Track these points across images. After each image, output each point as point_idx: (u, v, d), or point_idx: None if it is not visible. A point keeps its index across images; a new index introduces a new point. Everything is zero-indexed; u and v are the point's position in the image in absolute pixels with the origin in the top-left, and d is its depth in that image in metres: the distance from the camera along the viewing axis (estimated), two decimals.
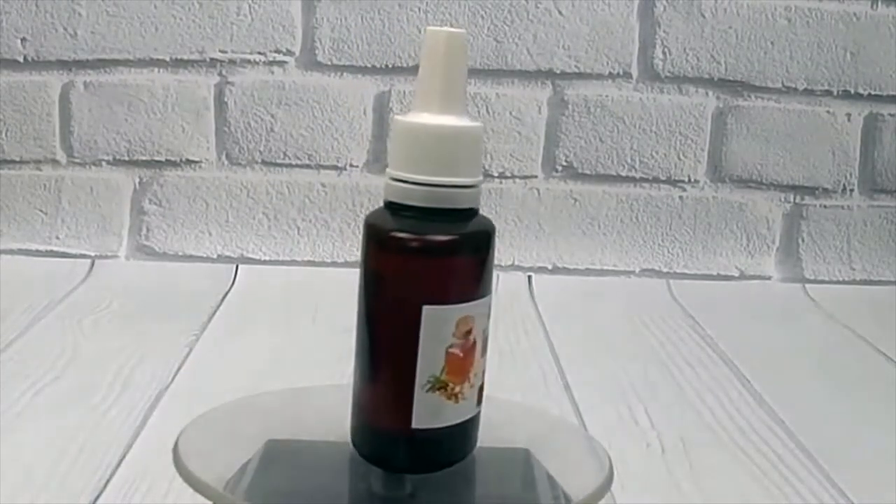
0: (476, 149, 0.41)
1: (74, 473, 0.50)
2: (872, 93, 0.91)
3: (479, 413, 0.40)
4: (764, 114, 0.91)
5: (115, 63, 0.88)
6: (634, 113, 0.90)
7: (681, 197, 0.91)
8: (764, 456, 0.57)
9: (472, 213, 0.40)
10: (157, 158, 0.89)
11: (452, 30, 0.39)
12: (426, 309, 0.37)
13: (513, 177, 0.90)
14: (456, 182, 0.39)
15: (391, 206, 0.39)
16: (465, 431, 0.40)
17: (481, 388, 0.40)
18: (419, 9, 0.87)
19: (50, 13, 0.86)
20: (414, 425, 0.38)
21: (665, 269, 0.92)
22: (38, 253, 0.89)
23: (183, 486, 0.38)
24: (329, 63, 0.88)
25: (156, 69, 0.88)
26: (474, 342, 0.39)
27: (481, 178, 0.40)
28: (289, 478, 0.43)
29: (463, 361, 0.38)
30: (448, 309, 0.38)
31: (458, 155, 0.40)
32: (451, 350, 0.38)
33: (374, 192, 0.89)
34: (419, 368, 0.38)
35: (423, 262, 0.38)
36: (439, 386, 0.38)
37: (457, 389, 0.38)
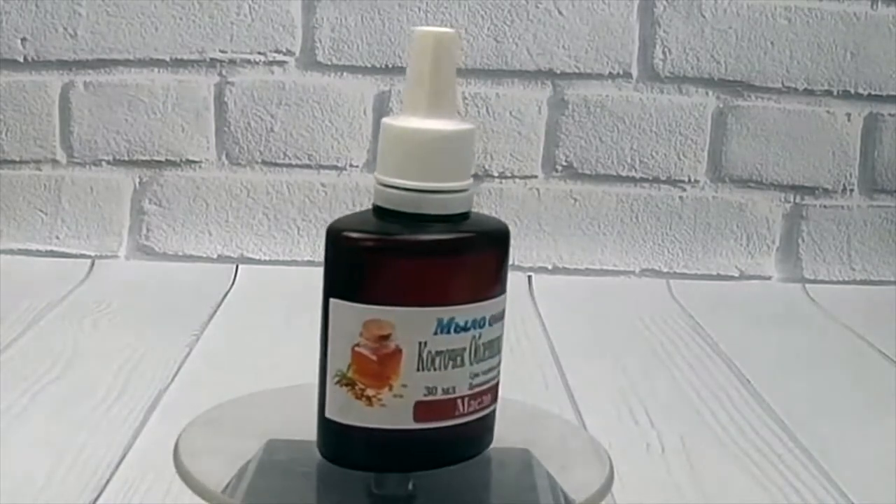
0: (461, 153, 0.40)
1: (74, 473, 0.50)
2: (872, 93, 0.91)
3: (429, 431, 0.39)
4: (764, 114, 0.91)
5: (115, 63, 0.88)
6: (634, 113, 0.90)
7: (681, 197, 0.91)
8: (764, 456, 0.57)
9: (458, 217, 0.39)
10: (157, 158, 0.89)
11: (441, 30, 0.39)
12: (332, 301, 0.38)
13: (513, 177, 0.90)
14: (434, 187, 0.39)
15: (375, 210, 0.40)
16: (392, 441, 0.39)
17: (439, 406, 0.39)
18: (419, 9, 0.87)
19: (50, 13, 0.86)
20: (327, 414, 0.39)
21: (665, 269, 0.92)
22: (38, 253, 0.89)
23: (183, 486, 0.38)
24: (329, 63, 0.88)
25: (156, 69, 0.88)
26: (398, 351, 0.38)
27: (468, 181, 0.39)
28: (289, 478, 0.43)
29: (378, 367, 0.38)
30: (351, 307, 0.38)
31: (440, 159, 0.39)
32: (357, 349, 0.38)
33: (373, 191, 0.89)
34: (329, 358, 0.39)
35: (336, 254, 0.39)
36: (346, 382, 0.39)
37: (368, 392, 0.38)
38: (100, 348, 0.69)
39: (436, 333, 0.38)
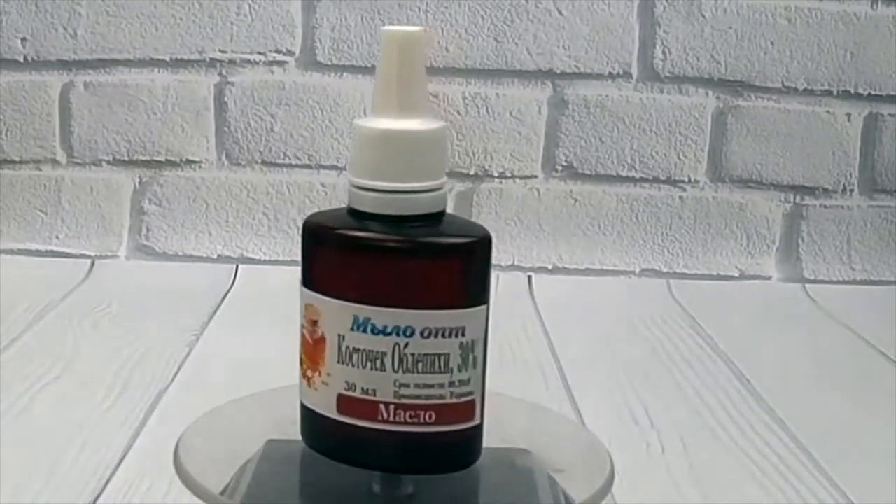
0: (427, 152, 0.39)
1: (74, 473, 0.50)
2: (872, 93, 0.91)
3: (352, 427, 0.39)
4: (764, 114, 0.91)
5: (115, 63, 0.88)
6: (634, 113, 0.90)
7: (681, 197, 0.91)
8: (764, 456, 0.57)
9: (428, 218, 0.39)
10: (157, 158, 0.89)
11: (408, 28, 0.39)
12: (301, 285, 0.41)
13: (513, 177, 0.90)
14: (382, 186, 0.39)
15: (350, 212, 0.40)
16: (324, 427, 0.40)
17: (359, 404, 0.39)
18: (419, 9, 0.87)
19: (50, 13, 0.86)
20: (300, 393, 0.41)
21: (665, 269, 0.92)
22: (38, 253, 0.89)
23: (183, 485, 0.39)
24: (329, 63, 0.88)
25: (156, 69, 0.88)
26: (323, 339, 0.39)
27: (426, 182, 0.39)
28: (288, 478, 0.43)
29: (311, 349, 0.40)
30: (301, 290, 0.40)
31: (396, 160, 0.39)
32: (303, 330, 0.40)
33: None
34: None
35: (302, 241, 0.41)
36: (301, 360, 0.41)
37: (308, 373, 0.40)
38: (100, 348, 0.69)
39: (352, 329, 0.38)
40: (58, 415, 0.58)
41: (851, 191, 0.92)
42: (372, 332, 0.38)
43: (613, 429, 0.59)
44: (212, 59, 0.88)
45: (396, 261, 0.39)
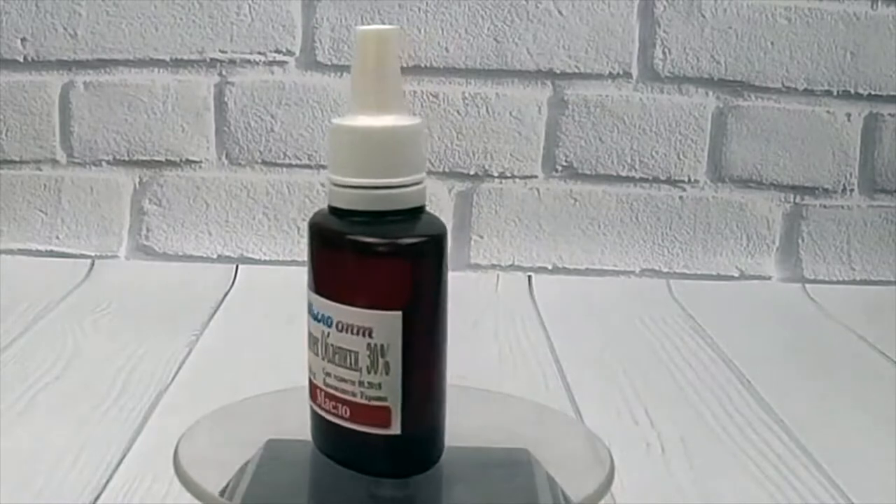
0: (403, 149, 0.39)
1: (74, 473, 0.50)
2: (872, 93, 0.91)
3: (313, 407, 0.41)
4: (764, 114, 0.91)
5: (115, 63, 0.88)
6: (634, 113, 0.90)
7: (681, 197, 0.91)
8: (764, 456, 0.57)
9: (401, 214, 0.39)
10: (157, 158, 0.89)
11: (382, 27, 0.39)
12: None
13: (513, 177, 0.90)
14: (373, 183, 0.39)
15: (332, 210, 0.40)
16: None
17: (311, 384, 0.41)
18: (419, 9, 0.87)
19: (50, 13, 0.86)
20: None
21: (665, 269, 0.92)
22: (38, 253, 0.89)
23: (183, 486, 0.39)
24: (329, 63, 0.88)
25: (156, 69, 0.88)
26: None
27: (409, 177, 0.39)
28: (288, 479, 0.43)
29: None
30: None
31: (380, 156, 0.39)
32: None
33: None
34: None
35: None
36: None
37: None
38: (100, 348, 0.69)
39: (308, 313, 0.40)
40: (58, 415, 0.58)
41: (851, 191, 0.92)
42: (314, 317, 0.40)
43: (613, 429, 0.59)
44: (212, 59, 0.88)
45: (329, 253, 0.40)
